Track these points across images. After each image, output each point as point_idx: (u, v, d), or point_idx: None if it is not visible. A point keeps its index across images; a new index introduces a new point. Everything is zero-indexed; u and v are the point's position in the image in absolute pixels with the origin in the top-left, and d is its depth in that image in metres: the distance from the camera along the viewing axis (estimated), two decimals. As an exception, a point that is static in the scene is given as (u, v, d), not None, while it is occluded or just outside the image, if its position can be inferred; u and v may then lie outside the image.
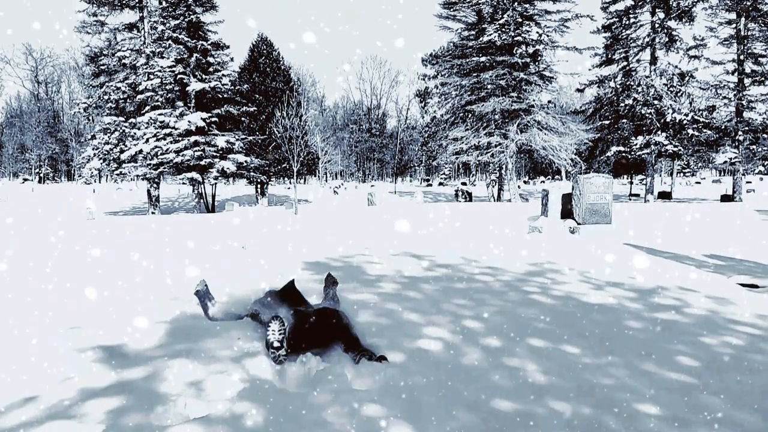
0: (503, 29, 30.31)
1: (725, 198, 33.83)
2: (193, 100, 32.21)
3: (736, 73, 33.25)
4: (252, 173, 33.94)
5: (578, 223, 10.67)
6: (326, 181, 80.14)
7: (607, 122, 35.79)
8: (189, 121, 30.15)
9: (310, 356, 3.49)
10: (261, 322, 4.08)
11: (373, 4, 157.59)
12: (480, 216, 15.84)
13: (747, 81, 32.96)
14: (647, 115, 33.35)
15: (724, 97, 33.17)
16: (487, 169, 37.25)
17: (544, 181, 75.40)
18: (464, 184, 49.38)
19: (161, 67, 30.11)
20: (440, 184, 73.85)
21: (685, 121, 32.91)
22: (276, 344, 3.48)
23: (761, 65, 32.67)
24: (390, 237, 10.07)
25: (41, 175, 76.70)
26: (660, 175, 68.28)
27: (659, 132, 33.41)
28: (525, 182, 74.43)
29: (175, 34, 31.20)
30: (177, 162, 30.43)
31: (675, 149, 33.40)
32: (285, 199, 43.84)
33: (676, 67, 34.28)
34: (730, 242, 9.33)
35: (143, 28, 32.27)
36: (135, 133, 30.33)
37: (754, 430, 2.64)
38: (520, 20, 30.73)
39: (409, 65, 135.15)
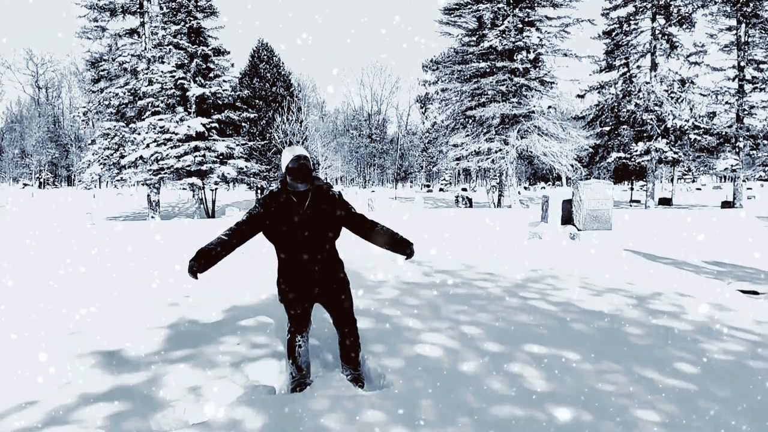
0: (504, 35, 30.36)
1: (726, 204, 33.78)
2: (194, 106, 32.23)
3: (736, 80, 33.26)
4: (252, 178, 33.95)
5: (578, 229, 10.66)
6: (326, 186, 79.71)
7: (607, 128, 35.81)
8: (189, 127, 30.14)
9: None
10: None
11: (373, 9, 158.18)
12: (480, 222, 15.84)
13: (747, 87, 32.96)
14: (648, 121, 33.37)
15: (726, 102, 33.17)
16: (487, 175, 37.25)
17: (544, 187, 75.39)
18: (464, 189, 49.37)
19: (162, 72, 30.13)
20: (441, 189, 73.80)
21: (685, 127, 32.92)
22: None
23: (762, 71, 32.70)
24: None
25: (41, 180, 76.72)
26: (661, 182, 68.26)
27: (660, 138, 33.41)
28: (525, 188, 74.43)
29: (175, 40, 31.25)
30: (177, 167, 30.42)
31: (675, 156, 33.40)
32: (285, 204, 43.65)
33: (677, 73, 34.31)
34: (730, 248, 9.32)
35: (144, 33, 32.28)
36: (135, 138, 30.30)
37: (754, 437, 2.64)
38: (520, 26, 30.78)
39: (409, 71, 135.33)
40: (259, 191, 39.61)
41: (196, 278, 2.93)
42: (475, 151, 31.60)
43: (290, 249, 3.12)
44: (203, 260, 2.95)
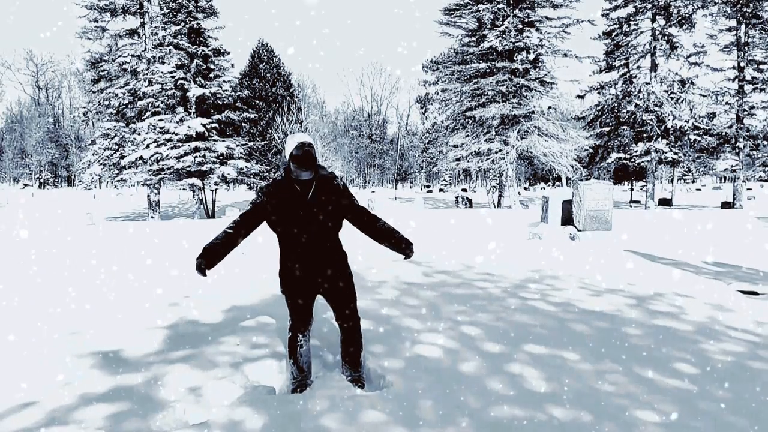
0: (504, 35, 30.35)
1: (726, 205, 33.77)
2: (194, 106, 32.22)
3: (736, 80, 33.25)
4: (252, 179, 33.95)
5: (578, 230, 10.66)
6: (326, 187, 79.57)
7: (607, 129, 35.80)
8: (189, 127, 30.13)
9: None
10: None
11: (374, 10, 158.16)
12: (480, 222, 15.84)
13: (747, 88, 32.94)
14: (648, 121, 33.37)
15: (726, 103, 33.15)
16: (487, 176, 37.22)
17: (544, 188, 75.34)
18: (464, 190, 49.32)
19: (162, 72, 30.12)
20: (440, 190, 73.75)
21: (685, 128, 32.92)
22: None
23: (762, 72, 32.69)
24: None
25: (41, 180, 76.72)
26: (660, 182, 68.27)
27: (659, 139, 33.40)
28: (525, 188, 74.45)
29: (175, 40, 31.24)
30: (177, 168, 30.41)
31: (675, 156, 33.39)
32: (285, 204, 43.56)
33: (677, 74, 34.28)
34: (730, 249, 9.32)
35: (144, 33, 32.26)
36: (135, 139, 30.28)
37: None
38: (520, 26, 30.76)
39: (409, 71, 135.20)
40: (259, 191, 39.50)
41: (205, 275, 2.90)
42: (475, 151, 31.57)
43: (293, 238, 3.06)
44: (210, 257, 2.91)
